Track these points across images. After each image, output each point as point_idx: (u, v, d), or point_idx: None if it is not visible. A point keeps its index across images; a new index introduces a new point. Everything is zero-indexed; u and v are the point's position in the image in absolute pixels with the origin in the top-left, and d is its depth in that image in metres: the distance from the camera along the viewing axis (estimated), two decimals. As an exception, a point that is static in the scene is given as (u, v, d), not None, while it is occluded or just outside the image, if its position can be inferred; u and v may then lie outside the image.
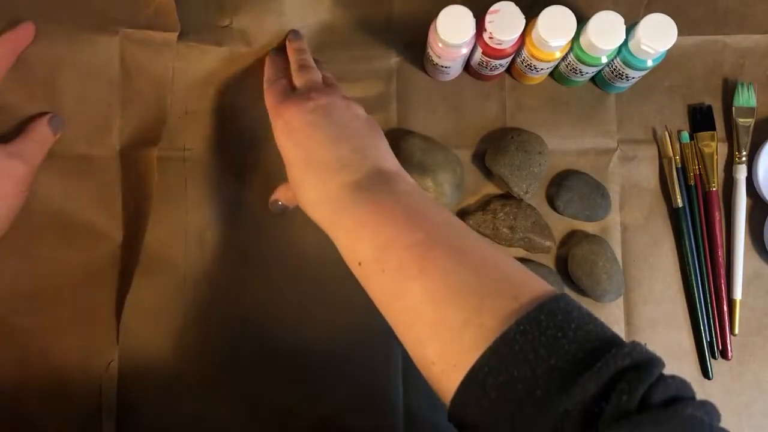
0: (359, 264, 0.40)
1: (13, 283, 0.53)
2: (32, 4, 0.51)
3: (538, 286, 0.36)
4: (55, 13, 0.51)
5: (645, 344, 0.33)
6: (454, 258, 0.37)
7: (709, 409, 0.32)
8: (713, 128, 0.58)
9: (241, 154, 0.56)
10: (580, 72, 0.54)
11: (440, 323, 0.36)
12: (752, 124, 0.58)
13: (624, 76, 0.54)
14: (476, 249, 0.39)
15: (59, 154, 0.53)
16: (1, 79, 0.49)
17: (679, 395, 0.31)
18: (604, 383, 0.31)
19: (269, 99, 0.48)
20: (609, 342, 0.33)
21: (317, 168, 0.43)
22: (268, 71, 0.52)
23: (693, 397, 0.32)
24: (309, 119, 0.44)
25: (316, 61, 0.54)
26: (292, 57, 0.52)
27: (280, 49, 0.54)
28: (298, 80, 0.49)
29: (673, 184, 0.58)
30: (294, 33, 0.55)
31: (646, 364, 0.32)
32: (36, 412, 0.52)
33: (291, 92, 0.48)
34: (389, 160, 0.45)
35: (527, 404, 0.32)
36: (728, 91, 0.59)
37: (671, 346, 0.57)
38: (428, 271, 0.37)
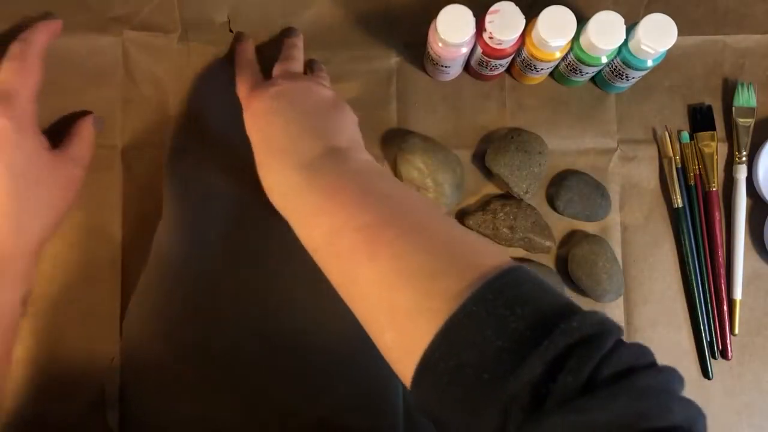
0: (314, 251, 0.40)
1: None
2: (35, 4, 0.52)
3: (489, 260, 0.35)
4: (58, 14, 0.52)
5: (603, 313, 0.32)
6: (405, 238, 0.37)
7: (668, 376, 0.30)
8: (713, 128, 0.58)
9: (243, 152, 0.56)
10: (580, 72, 0.54)
11: (394, 309, 0.35)
12: (752, 124, 0.58)
13: (624, 76, 0.54)
14: (429, 226, 0.38)
15: None
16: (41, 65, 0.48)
17: (634, 365, 0.30)
18: (551, 362, 0.29)
19: (239, 90, 0.50)
20: (559, 316, 0.31)
21: (274, 154, 0.43)
22: (236, 60, 0.53)
23: (650, 364, 0.31)
24: (270, 105, 0.45)
25: (313, 61, 0.56)
26: (283, 50, 0.53)
27: (245, 39, 0.55)
28: (276, 69, 0.50)
29: (673, 184, 0.58)
30: (291, 30, 0.56)
31: (596, 336, 0.30)
32: (40, 411, 0.53)
33: (260, 81, 0.49)
34: (343, 137, 0.44)
35: (476, 389, 0.31)
36: (728, 91, 0.59)
37: (671, 346, 0.57)
38: (379, 255, 0.36)
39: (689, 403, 0.30)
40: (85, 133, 0.51)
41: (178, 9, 0.55)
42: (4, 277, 0.45)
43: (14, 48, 0.47)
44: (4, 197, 0.44)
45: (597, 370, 0.29)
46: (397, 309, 0.35)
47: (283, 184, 0.42)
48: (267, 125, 0.44)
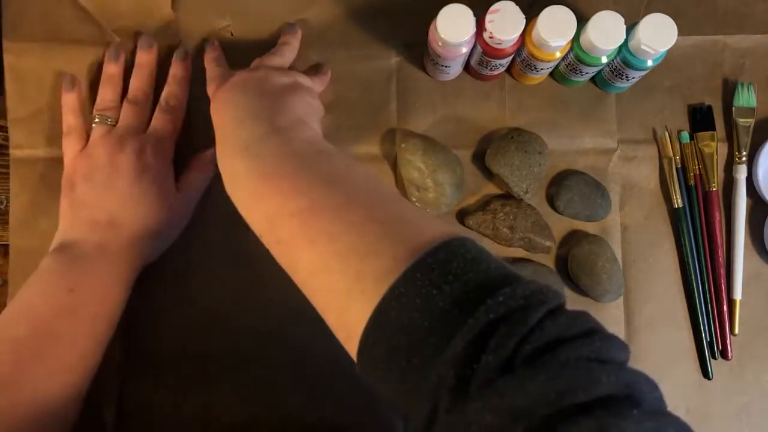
0: (260, 236, 0.39)
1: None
2: (44, 20, 0.54)
3: (422, 236, 0.33)
4: (61, 28, 0.55)
5: (541, 282, 0.30)
6: (341, 220, 0.35)
7: (600, 343, 0.27)
8: (713, 128, 0.58)
9: None
10: (580, 72, 0.54)
11: (330, 293, 0.34)
12: (752, 124, 0.58)
13: (624, 76, 0.54)
14: (368, 204, 0.36)
15: None
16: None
17: (562, 336, 0.27)
18: (473, 341, 0.27)
19: (208, 88, 0.51)
20: (486, 290, 0.29)
21: (222, 141, 0.43)
22: (206, 64, 0.53)
23: (581, 334, 0.28)
24: (225, 97, 0.45)
25: (319, 66, 0.56)
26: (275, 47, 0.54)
27: (212, 43, 0.55)
28: (252, 63, 0.51)
29: (673, 184, 0.58)
30: (289, 26, 0.56)
31: (521, 309, 0.28)
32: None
33: (226, 76, 0.49)
34: (287, 116, 0.43)
35: (408, 373, 0.29)
36: (728, 91, 0.59)
37: (671, 346, 0.57)
38: (315, 239, 0.35)
39: (628, 371, 0.27)
40: (205, 169, 0.54)
41: (176, 9, 0.55)
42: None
43: (164, 99, 0.53)
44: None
45: (519, 347, 0.27)
46: (333, 292, 0.34)
47: (227, 169, 0.42)
48: (219, 116, 0.44)
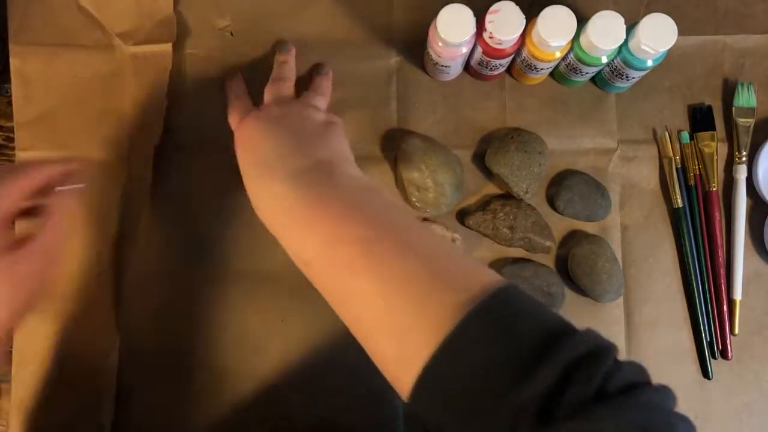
0: (306, 264, 0.40)
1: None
2: (49, 24, 0.55)
3: (484, 277, 0.36)
4: (66, 32, 0.55)
5: (596, 331, 0.33)
6: (400, 252, 0.37)
7: (665, 394, 0.31)
8: (713, 128, 0.58)
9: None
10: (580, 72, 0.54)
11: (391, 322, 0.36)
12: (752, 124, 0.58)
13: (624, 76, 0.54)
14: (419, 241, 0.39)
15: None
16: None
17: (635, 381, 0.31)
18: (558, 375, 0.30)
19: (231, 119, 0.51)
20: (560, 332, 0.32)
21: (262, 171, 0.43)
22: (228, 94, 0.54)
23: (648, 382, 0.32)
24: (261, 127, 0.46)
25: (319, 66, 0.56)
26: (274, 69, 0.54)
27: (235, 75, 0.55)
28: (267, 93, 0.51)
29: (673, 184, 0.58)
30: (282, 44, 0.56)
31: (600, 351, 0.31)
32: (34, 406, 0.53)
33: (251, 109, 0.50)
34: (330, 152, 0.45)
35: (480, 403, 0.31)
36: (728, 91, 0.59)
37: (671, 346, 0.57)
38: (376, 268, 0.37)
39: (689, 422, 0.31)
40: (55, 228, 0.44)
41: (176, 10, 0.56)
42: None
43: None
44: None
45: (604, 383, 0.30)
46: (394, 321, 0.35)
47: (270, 198, 0.43)
48: (254, 145, 0.45)
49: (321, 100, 0.53)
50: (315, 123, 0.48)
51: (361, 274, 0.37)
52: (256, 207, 0.44)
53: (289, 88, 0.52)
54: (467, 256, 0.39)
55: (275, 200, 0.42)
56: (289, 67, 0.54)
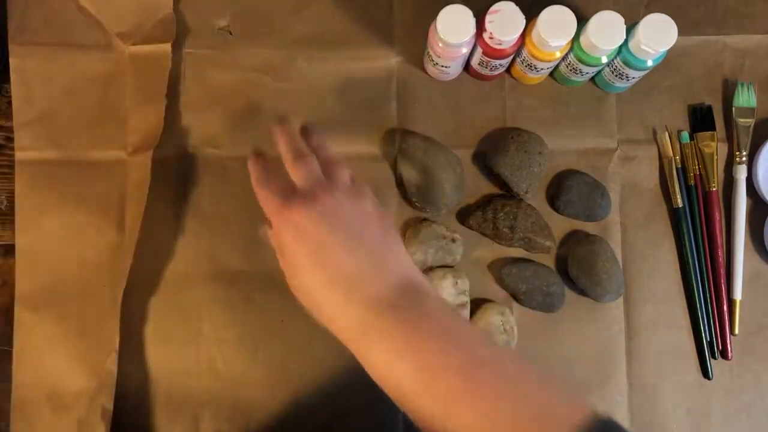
0: (397, 387, 0.38)
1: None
2: (49, 24, 0.55)
3: (580, 410, 0.36)
4: (66, 32, 0.55)
5: None
6: (500, 378, 0.37)
7: None
8: (713, 128, 0.58)
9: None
10: (580, 72, 0.54)
11: None
12: (752, 124, 0.58)
13: (624, 76, 0.54)
14: (516, 370, 0.39)
15: (75, 161, 0.55)
16: None
17: None
18: None
19: (268, 201, 0.43)
20: None
21: (338, 284, 0.40)
22: (255, 171, 0.46)
23: None
24: (321, 224, 0.40)
25: (304, 128, 0.49)
26: (284, 146, 0.46)
27: (259, 153, 0.47)
28: (295, 174, 0.44)
29: (673, 184, 0.58)
30: (308, 128, 0.48)
31: None
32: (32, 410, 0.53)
33: (292, 192, 0.43)
34: (411, 269, 0.42)
35: None
36: (728, 91, 0.59)
37: (671, 346, 0.57)
38: (479, 396, 0.36)
39: None
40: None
41: (176, 10, 0.56)
42: None
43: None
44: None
45: None
46: None
47: (352, 317, 0.39)
48: (320, 247, 0.40)
49: (342, 170, 0.45)
50: (372, 218, 0.43)
51: (461, 401, 0.37)
52: (325, 317, 0.41)
53: (314, 164, 0.44)
54: (556, 381, 0.38)
55: (356, 320, 0.39)
56: (299, 139, 0.47)
